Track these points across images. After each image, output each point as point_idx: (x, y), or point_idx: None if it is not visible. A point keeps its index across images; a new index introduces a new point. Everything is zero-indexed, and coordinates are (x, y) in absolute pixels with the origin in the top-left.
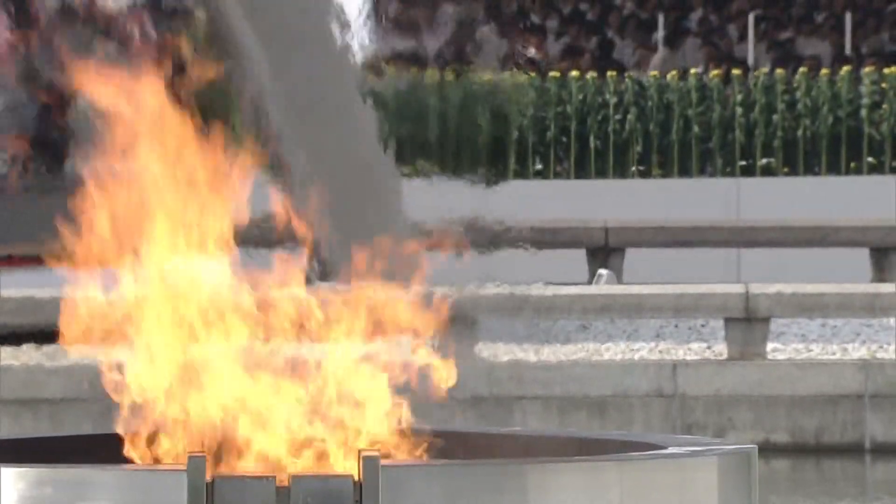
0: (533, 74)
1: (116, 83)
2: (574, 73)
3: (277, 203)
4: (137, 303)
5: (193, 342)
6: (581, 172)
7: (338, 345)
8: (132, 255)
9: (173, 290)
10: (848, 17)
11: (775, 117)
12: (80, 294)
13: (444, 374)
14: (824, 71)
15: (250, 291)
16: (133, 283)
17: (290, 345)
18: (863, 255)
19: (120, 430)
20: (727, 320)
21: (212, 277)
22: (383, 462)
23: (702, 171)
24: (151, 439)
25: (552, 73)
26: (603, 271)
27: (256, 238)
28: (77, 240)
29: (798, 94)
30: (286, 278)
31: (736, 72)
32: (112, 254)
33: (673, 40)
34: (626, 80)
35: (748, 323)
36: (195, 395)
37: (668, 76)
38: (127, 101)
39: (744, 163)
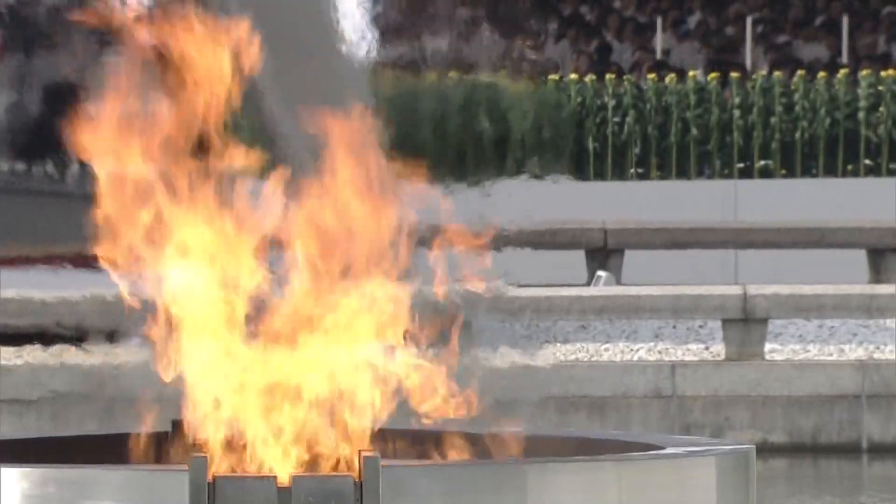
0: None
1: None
2: (573, 75)
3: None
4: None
5: (199, 342)
6: (580, 174)
7: (338, 345)
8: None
9: (188, 290)
10: (845, 19)
11: (773, 120)
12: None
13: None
14: (822, 74)
15: (250, 292)
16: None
17: (290, 345)
18: (860, 257)
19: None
20: (725, 321)
21: (213, 280)
22: (384, 462)
23: (700, 173)
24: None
25: (551, 77)
26: (601, 272)
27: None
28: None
29: (796, 96)
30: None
31: (734, 74)
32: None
33: None
34: (625, 82)
35: (746, 324)
36: (200, 395)
37: (667, 79)
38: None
39: (741, 165)
